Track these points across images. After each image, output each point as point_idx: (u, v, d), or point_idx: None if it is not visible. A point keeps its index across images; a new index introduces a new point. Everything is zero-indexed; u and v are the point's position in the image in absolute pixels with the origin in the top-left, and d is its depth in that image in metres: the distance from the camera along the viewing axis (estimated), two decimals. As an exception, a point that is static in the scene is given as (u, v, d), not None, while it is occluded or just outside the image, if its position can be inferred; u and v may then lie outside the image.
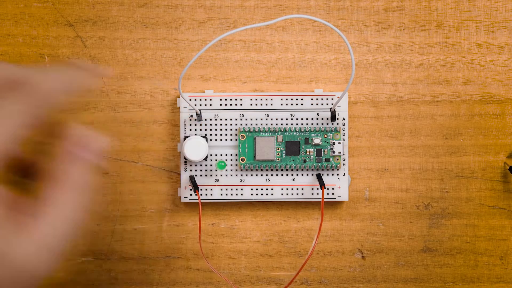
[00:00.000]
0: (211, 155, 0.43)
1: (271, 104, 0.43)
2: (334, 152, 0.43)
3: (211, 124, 0.43)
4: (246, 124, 0.43)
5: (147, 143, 0.44)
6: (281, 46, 0.44)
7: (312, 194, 0.43)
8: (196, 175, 0.43)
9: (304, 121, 0.43)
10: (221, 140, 0.43)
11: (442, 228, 0.44)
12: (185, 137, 0.43)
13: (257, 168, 0.43)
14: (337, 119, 0.43)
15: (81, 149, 0.30)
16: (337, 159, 0.43)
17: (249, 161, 0.43)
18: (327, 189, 0.43)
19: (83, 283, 0.44)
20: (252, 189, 0.43)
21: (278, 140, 0.43)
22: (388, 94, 0.44)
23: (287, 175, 0.43)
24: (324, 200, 0.43)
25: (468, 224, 0.44)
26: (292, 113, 0.43)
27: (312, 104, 0.43)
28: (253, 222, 0.44)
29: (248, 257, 0.44)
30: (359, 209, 0.44)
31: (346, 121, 0.43)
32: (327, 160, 0.43)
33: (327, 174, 0.43)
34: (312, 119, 0.43)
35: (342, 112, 0.43)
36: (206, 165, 0.43)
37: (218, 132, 0.43)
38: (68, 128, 0.32)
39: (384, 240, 0.44)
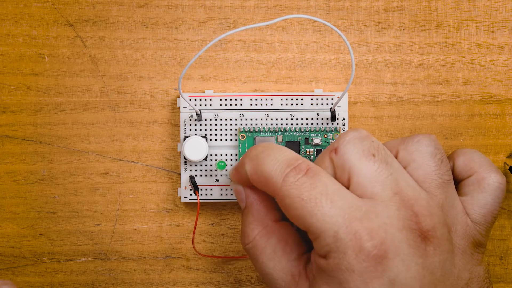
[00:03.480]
0: (211, 155, 0.43)
1: (271, 104, 0.43)
2: (334, 152, 0.43)
3: (211, 124, 0.43)
4: (246, 124, 0.43)
5: (147, 143, 0.44)
6: (281, 46, 0.44)
7: (312, 194, 0.43)
8: (196, 175, 0.43)
9: (304, 121, 0.43)
10: (221, 140, 0.43)
11: (442, 228, 0.44)
12: (185, 137, 0.43)
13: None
14: (337, 119, 0.43)
15: None
16: (337, 159, 0.43)
17: (249, 161, 0.43)
18: (327, 189, 0.43)
19: (83, 283, 0.44)
20: (252, 189, 0.43)
21: (278, 140, 0.43)
22: (388, 94, 0.44)
23: (287, 175, 0.43)
24: (324, 200, 0.43)
25: (468, 224, 0.44)
26: (292, 113, 0.43)
27: (312, 104, 0.43)
28: (253, 222, 0.44)
29: (248, 257, 0.44)
30: (359, 209, 0.44)
31: (346, 121, 0.43)
32: (327, 160, 0.43)
33: (327, 174, 0.43)
34: (312, 119, 0.43)
35: (342, 112, 0.43)
36: (206, 165, 0.43)
37: (218, 132, 0.43)
38: None
39: (384, 240, 0.44)
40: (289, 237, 0.37)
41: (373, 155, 0.35)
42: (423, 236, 0.33)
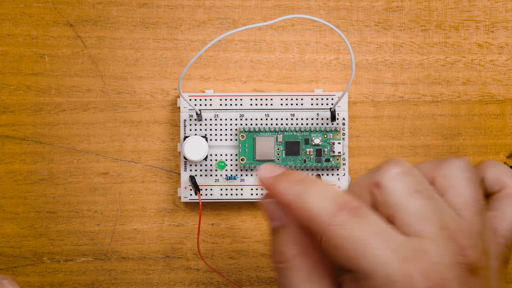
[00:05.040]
0: (211, 155, 0.43)
1: (271, 104, 0.43)
2: (334, 152, 0.43)
3: (211, 124, 0.43)
4: (246, 124, 0.43)
5: (147, 143, 0.44)
6: (281, 46, 0.44)
7: (312, 194, 0.43)
8: (196, 175, 0.43)
9: (304, 121, 0.43)
10: (221, 140, 0.43)
11: (442, 228, 0.44)
12: (185, 137, 0.43)
13: (257, 168, 0.43)
14: (337, 119, 0.43)
15: None
16: (337, 159, 0.43)
17: (249, 161, 0.43)
18: (327, 189, 0.43)
19: (83, 283, 0.44)
20: (252, 189, 0.43)
21: (278, 140, 0.43)
22: (388, 94, 0.44)
23: (287, 175, 0.43)
24: (324, 200, 0.43)
25: (468, 224, 0.44)
26: (292, 113, 0.43)
27: (312, 104, 0.43)
28: (253, 222, 0.44)
29: (248, 257, 0.44)
30: (359, 209, 0.44)
31: (346, 121, 0.43)
32: (327, 160, 0.43)
33: (327, 174, 0.43)
34: (312, 119, 0.43)
35: (342, 112, 0.43)
36: (206, 165, 0.43)
37: (218, 132, 0.43)
38: None
39: (384, 240, 0.44)
40: (325, 261, 0.37)
41: (418, 192, 0.34)
42: (471, 269, 0.33)
